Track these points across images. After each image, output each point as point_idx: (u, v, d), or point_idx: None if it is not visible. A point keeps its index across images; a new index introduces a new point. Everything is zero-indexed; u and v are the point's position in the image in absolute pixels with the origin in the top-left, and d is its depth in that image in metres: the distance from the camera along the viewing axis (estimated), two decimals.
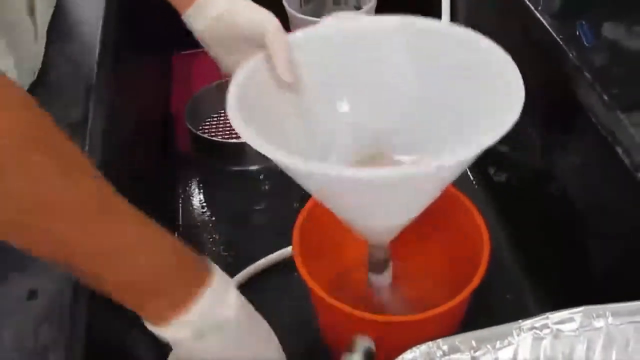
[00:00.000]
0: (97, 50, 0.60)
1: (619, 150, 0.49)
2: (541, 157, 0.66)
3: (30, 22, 0.59)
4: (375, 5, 0.94)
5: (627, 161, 0.48)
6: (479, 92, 0.46)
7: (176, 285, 0.40)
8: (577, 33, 0.57)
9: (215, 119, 0.92)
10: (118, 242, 0.37)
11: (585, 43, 0.56)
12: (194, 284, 0.41)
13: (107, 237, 0.36)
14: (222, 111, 0.93)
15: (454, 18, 0.84)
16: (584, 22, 0.58)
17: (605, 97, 0.51)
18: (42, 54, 0.60)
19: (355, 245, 0.68)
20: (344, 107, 0.53)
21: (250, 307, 0.45)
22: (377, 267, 0.58)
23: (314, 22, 0.96)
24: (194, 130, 0.86)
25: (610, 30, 0.57)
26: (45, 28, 0.62)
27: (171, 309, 0.40)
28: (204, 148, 0.87)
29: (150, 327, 0.41)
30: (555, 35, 0.57)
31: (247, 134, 0.41)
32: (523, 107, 0.42)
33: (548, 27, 0.58)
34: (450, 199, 0.62)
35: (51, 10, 0.65)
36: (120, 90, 0.65)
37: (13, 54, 0.54)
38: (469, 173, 0.85)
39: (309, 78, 0.51)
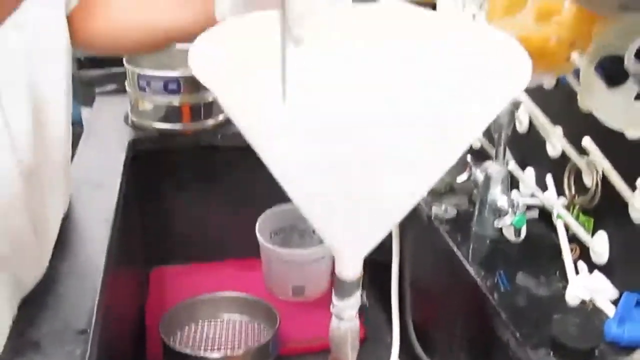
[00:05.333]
0: (103, 267, 0.71)
1: None
2: None
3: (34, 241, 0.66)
4: None
5: None
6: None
7: None
8: (496, 280, 0.71)
9: (187, 333, 1.01)
10: None
11: (502, 289, 0.70)
12: None
13: None
14: (194, 326, 1.02)
15: (402, 254, 0.98)
16: (501, 272, 0.72)
17: (518, 335, 0.63)
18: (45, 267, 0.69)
19: None
20: None
21: None
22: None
23: (282, 253, 1.09)
24: (167, 342, 0.94)
25: (522, 279, 0.71)
26: (52, 245, 0.72)
27: None
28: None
29: None
30: (479, 282, 0.71)
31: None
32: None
33: (474, 275, 0.72)
34: None
35: (57, 227, 0.76)
36: (115, 302, 0.75)
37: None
38: None
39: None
